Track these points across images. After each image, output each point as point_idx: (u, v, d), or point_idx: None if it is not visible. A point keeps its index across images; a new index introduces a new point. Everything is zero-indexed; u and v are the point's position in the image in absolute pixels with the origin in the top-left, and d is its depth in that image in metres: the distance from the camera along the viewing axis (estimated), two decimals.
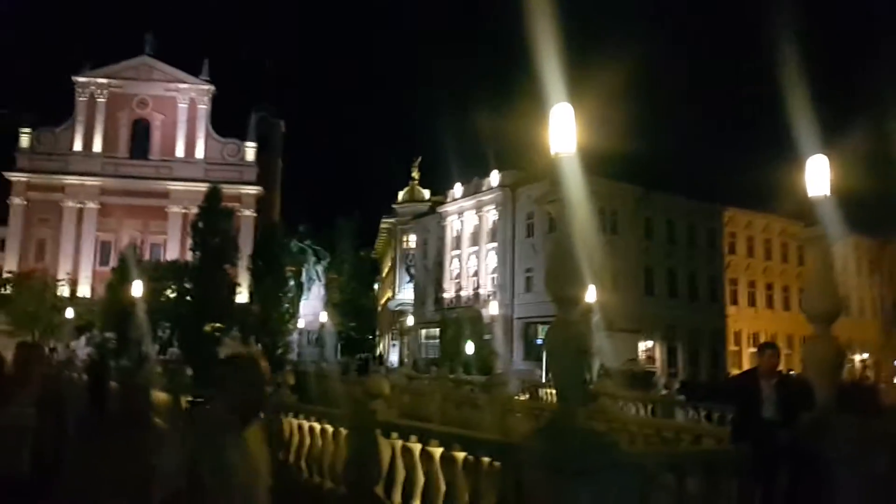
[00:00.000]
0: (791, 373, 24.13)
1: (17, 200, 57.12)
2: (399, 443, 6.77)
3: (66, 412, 5.29)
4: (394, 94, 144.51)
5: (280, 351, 31.06)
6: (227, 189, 45.89)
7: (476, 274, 50.45)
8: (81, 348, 38.77)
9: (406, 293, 59.35)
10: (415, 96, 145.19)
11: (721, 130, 74.83)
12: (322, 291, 41.29)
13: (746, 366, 47.55)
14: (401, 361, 52.38)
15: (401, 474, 6.60)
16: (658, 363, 43.16)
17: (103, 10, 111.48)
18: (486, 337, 42.71)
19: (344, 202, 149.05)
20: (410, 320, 56.28)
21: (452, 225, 53.30)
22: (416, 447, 6.44)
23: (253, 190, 60.34)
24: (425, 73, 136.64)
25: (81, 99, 59.34)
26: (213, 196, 36.15)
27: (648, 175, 42.39)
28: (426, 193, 60.91)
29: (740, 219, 50.85)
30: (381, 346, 67.51)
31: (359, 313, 66.42)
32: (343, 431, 7.86)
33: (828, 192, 5.88)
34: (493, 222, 49.35)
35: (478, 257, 50.44)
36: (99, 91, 59.52)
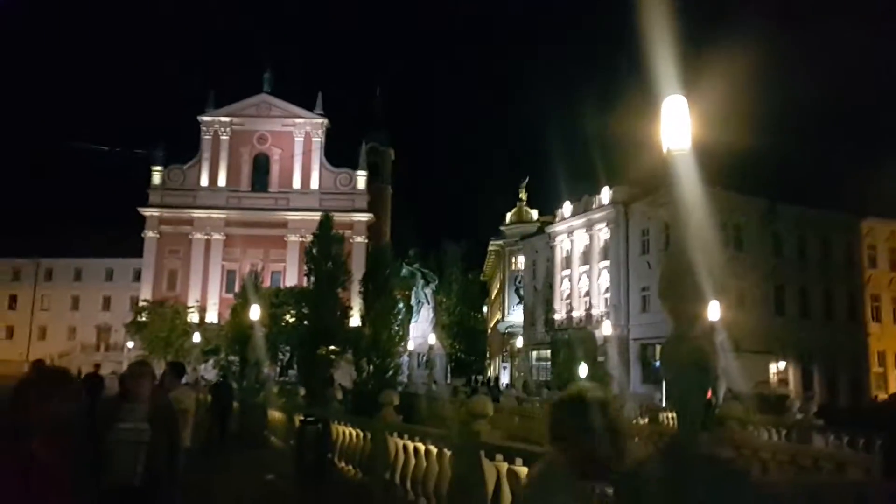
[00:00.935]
0: None
1: (150, 234, 61.68)
2: (504, 465, 6.38)
3: (178, 428, 5.52)
4: (500, 116, 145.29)
5: (390, 373, 31.29)
6: (340, 217, 47.42)
7: (588, 294, 49.12)
8: (209, 371, 40.93)
9: (516, 315, 58.72)
10: (520, 117, 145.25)
11: (856, 130, 69.03)
12: (431, 314, 41.38)
13: (893, 388, 43.27)
14: (511, 383, 51.67)
15: (507, 498, 6.18)
16: (792, 386, 40.06)
17: (225, 51, 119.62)
18: (601, 359, 41.28)
19: (452, 225, 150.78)
20: (520, 342, 55.50)
21: (562, 245, 52.33)
22: (522, 470, 6.02)
23: (364, 217, 62.12)
24: (530, 92, 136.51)
25: (206, 137, 63.54)
26: (325, 224, 37.29)
27: (775, 184, 39.74)
28: (534, 214, 60.35)
29: (881, 230, 46.69)
30: (492, 368, 67.02)
31: (468, 335, 66.37)
32: (447, 452, 7.56)
33: None
34: (605, 240, 47.98)
35: (589, 277, 49.13)
36: (222, 129, 63.52)
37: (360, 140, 65.79)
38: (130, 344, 53.87)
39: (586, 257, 49.74)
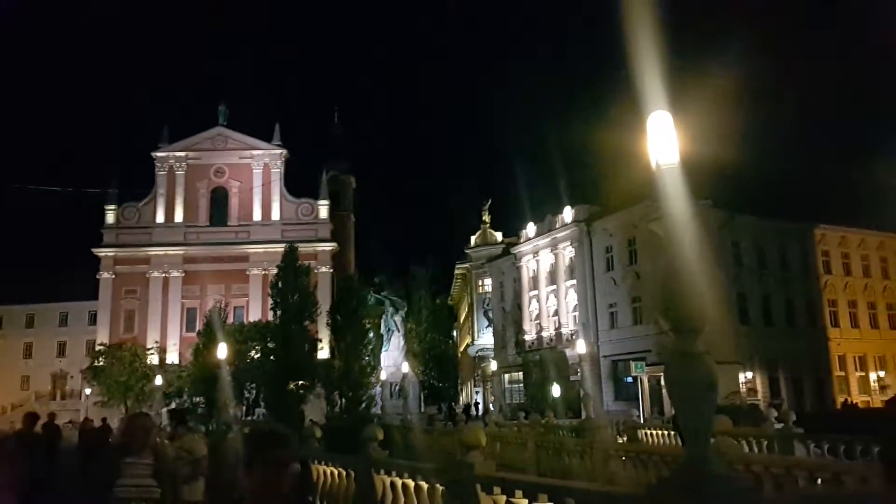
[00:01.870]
0: None
1: (105, 275, 59.82)
2: (503, 499, 6.00)
3: (178, 481, 5.54)
4: (465, 138, 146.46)
5: (363, 405, 30.64)
6: (303, 247, 46.63)
7: (556, 313, 49.13)
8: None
9: (485, 338, 58.39)
10: (485, 139, 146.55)
11: (803, 142, 71.00)
12: (402, 342, 40.88)
13: (855, 392, 44.08)
14: (486, 408, 51.10)
15: None
16: (760, 395, 40.45)
17: (177, 85, 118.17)
18: (573, 378, 41.15)
19: (417, 250, 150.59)
20: (493, 365, 55.12)
21: (528, 265, 52.38)
22: (523, 503, 5.65)
23: (328, 246, 61.37)
24: (494, 114, 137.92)
25: (161, 173, 62.26)
26: (290, 255, 36.69)
27: (732, 196, 40.39)
28: (498, 236, 60.41)
29: (832, 236, 47.92)
30: (464, 393, 66.37)
31: (439, 361, 65.78)
32: (439, 488, 7.14)
33: None
34: (571, 259, 48.17)
35: (557, 296, 49.17)
36: (178, 164, 62.34)
37: (321, 169, 65.30)
38: (88, 391, 51.97)
39: (553, 277, 49.83)
